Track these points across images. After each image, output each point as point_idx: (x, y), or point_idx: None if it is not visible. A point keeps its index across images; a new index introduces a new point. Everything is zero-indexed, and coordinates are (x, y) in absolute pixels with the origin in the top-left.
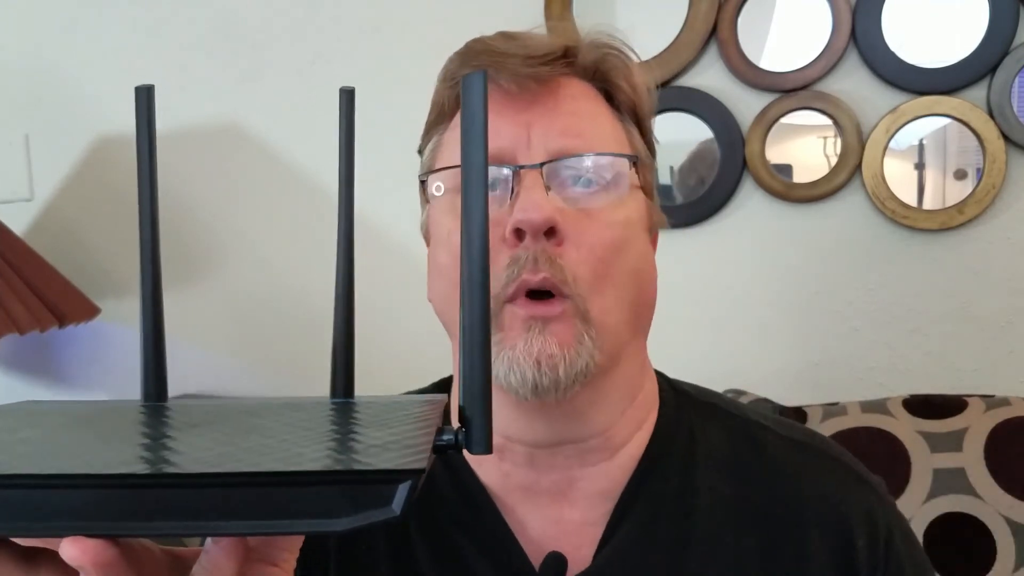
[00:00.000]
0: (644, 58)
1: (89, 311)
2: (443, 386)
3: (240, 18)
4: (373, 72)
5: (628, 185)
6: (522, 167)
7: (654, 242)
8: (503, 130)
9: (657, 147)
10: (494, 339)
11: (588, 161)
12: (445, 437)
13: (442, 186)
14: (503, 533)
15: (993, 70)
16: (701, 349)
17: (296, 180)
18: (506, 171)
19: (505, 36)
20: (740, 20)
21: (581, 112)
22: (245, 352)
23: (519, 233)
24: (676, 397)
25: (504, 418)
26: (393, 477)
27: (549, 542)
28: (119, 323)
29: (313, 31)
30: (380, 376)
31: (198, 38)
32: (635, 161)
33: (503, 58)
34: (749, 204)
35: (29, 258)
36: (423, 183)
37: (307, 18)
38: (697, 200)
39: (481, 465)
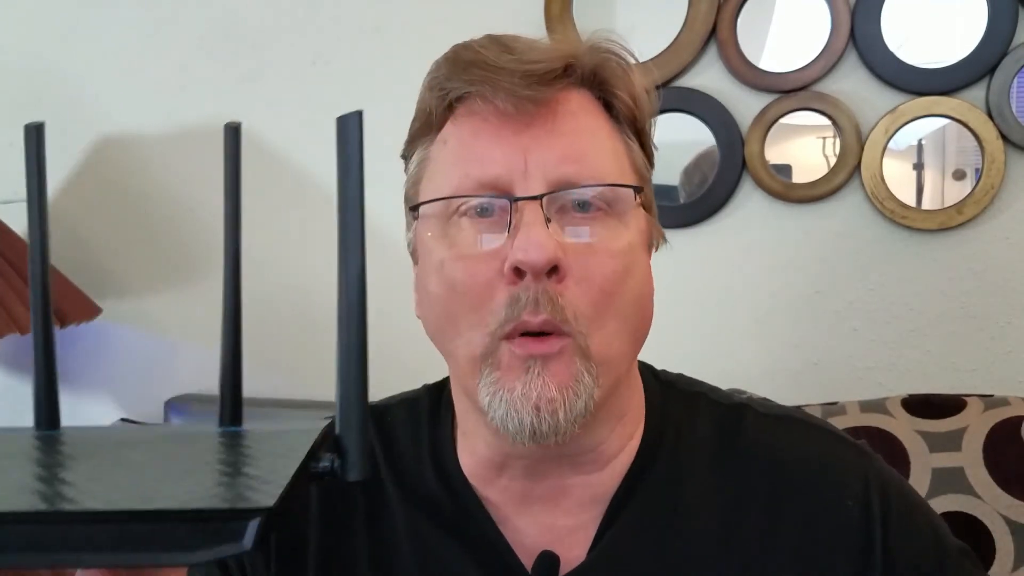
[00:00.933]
0: (644, 59)
1: (90, 311)
2: (436, 389)
3: (240, 18)
4: (373, 72)
5: (630, 208)
6: (521, 198)
7: (650, 255)
8: (498, 156)
9: (657, 148)
10: (491, 378)
11: (589, 192)
12: (322, 465)
13: (432, 209)
14: (495, 539)
15: (992, 71)
16: (700, 349)
17: (296, 180)
18: (501, 201)
19: (499, 45)
20: (740, 21)
21: (580, 131)
22: (245, 352)
23: (518, 271)
24: (662, 391)
25: (500, 444)
26: (242, 515)
27: (542, 546)
28: (120, 323)
29: (313, 31)
30: (382, 377)
31: (198, 38)
32: (639, 190)
33: (499, 75)
34: (748, 204)
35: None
36: (415, 207)
37: (307, 18)
38: (697, 200)
39: (477, 476)
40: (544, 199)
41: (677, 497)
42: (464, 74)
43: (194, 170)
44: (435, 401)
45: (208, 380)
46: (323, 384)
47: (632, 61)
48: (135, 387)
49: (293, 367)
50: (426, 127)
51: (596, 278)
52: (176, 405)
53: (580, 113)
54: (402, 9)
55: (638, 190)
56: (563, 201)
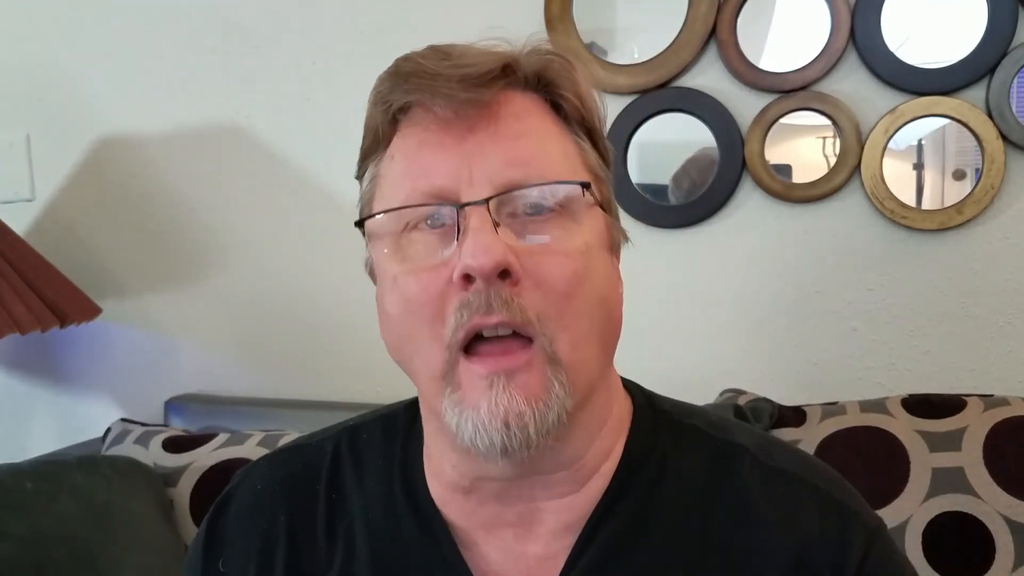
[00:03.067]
0: (644, 59)
1: (90, 311)
2: (414, 405)
3: (240, 18)
4: (373, 72)
5: (584, 207)
6: (465, 204)
7: (617, 257)
8: (442, 165)
9: (656, 148)
10: (452, 398)
11: (537, 191)
12: None
13: (384, 227)
14: (457, 566)
15: (992, 71)
16: (700, 348)
17: (296, 180)
18: (448, 210)
19: (438, 53)
20: (739, 21)
21: (526, 133)
22: (245, 352)
23: (468, 278)
24: (654, 417)
25: (471, 467)
26: None
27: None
28: (120, 323)
29: (314, 31)
30: (382, 376)
31: (198, 38)
32: (587, 185)
33: (436, 81)
34: (748, 204)
35: (30, 258)
36: (360, 223)
37: (308, 18)
38: (696, 200)
39: (446, 503)
40: (491, 203)
41: (650, 532)
42: (404, 84)
43: (194, 170)
44: (411, 418)
45: (208, 380)
46: (323, 384)
47: (574, 62)
48: (135, 387)
49: (293, 367)
50: (374, 144)
51: (554, 279)
52: (176, 405)
53: (524, 115)
54: (402, 9)
55: (586, 185)
56: (513, 206)
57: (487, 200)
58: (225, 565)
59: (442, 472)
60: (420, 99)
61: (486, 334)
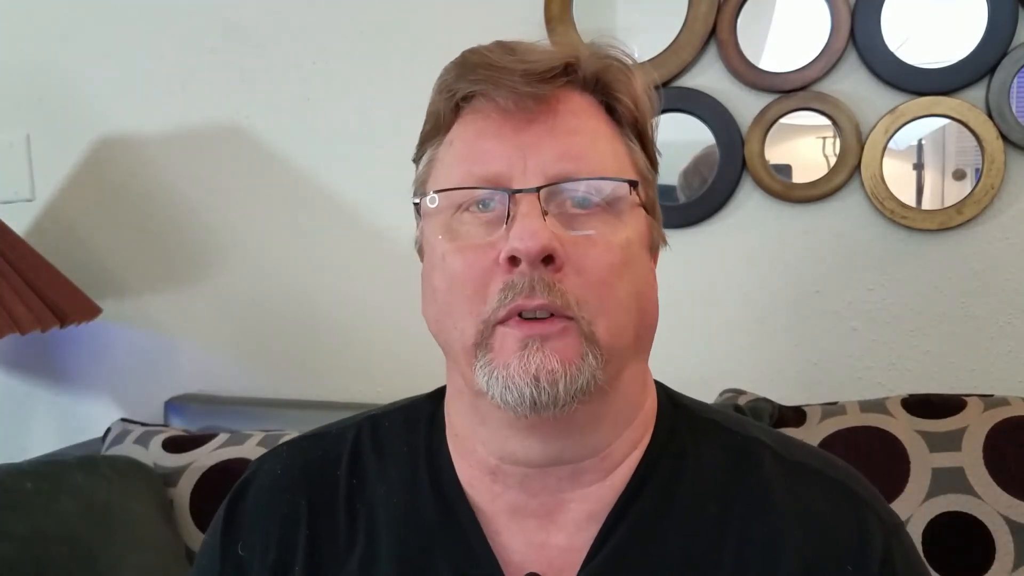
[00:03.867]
0: (644, 59)
1: (90, 311)
2: (437, 396)
3: (240, 18)
4: (374, 72)
5: (628, 206)
6: (518, 191)
7: (655, 259)
8: (498, 153)
9: (660, 154)
10: (484, 359)
11: (585, 185)
12: None
13: (437, 206)
14: (483, 553)
15: (992, 71)
16: (700, 348)
17: (296, 180)
18: (500, 195)
19: (503, 48)
20: (739, 21)
21: (581, 131)
22: (245, 352)
23: (514, 260)
24: (675, 412)
25: (499, 437)
26: None
27: (530, 566)
28: (120, 323)
29: (314, 31)
30: (382, 376)
31: (198, 38)
32: (634, 184)
33: (501, 73)
34: (748, 204)
35: (30, 258)
36: (416, 203)
37: (308, 18)
38: (697, 200)
39: (472, 486)
40: (541, 192)
41: (670, 522)
42: (470, 75)
43: (194, 170)
44: (433, 408)
45: (208, 380)
46: (323, 384)
47: (631, 64)
48: (135, 387)
49: (293, 367)
50: (435, 130)
51: (595, 268)
52: (176, 405)
53: (581, 114)
54: (402, 9)
55: (633, 184)
56: (561, 198)
57: (538, 189)
58: (244, 548)
59: (471, 452)
60: (484, 89)
61: (526, 316)
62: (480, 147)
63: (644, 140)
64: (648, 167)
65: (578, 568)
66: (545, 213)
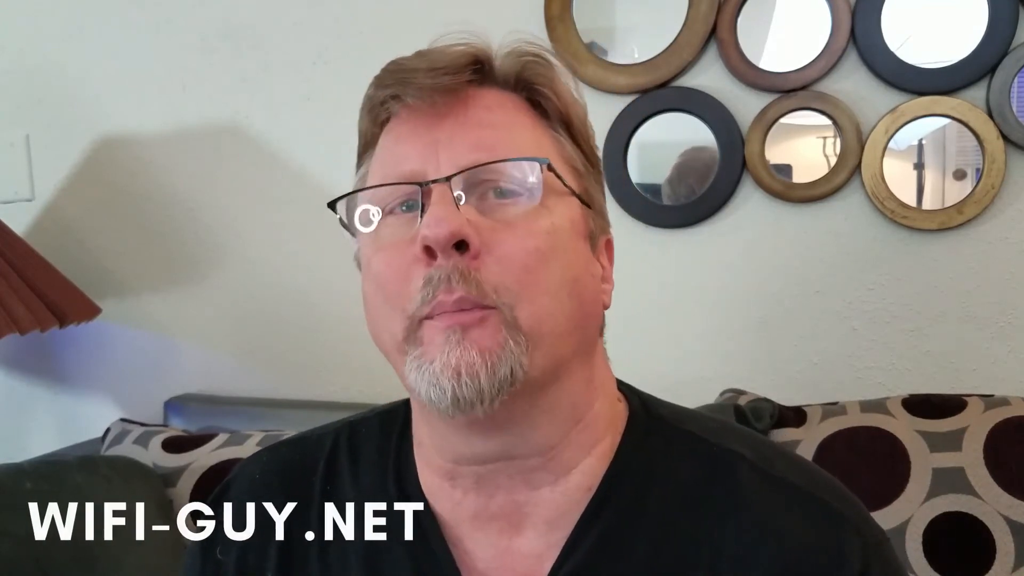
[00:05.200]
0: (644, 59)
1: (90, 311)
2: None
3: (241, 18)
4: (373, 72)
5: (554, 193)
6: (430, 182)
7: (609, 252)
8: (412, 151)
9: (656, 148)
10: (413, 355)
11: (500, 168)
12: None
13: (360, 214)
14: (444, 559)
15: (992, 70)
16: (700, 349)
17: (296, 180)
18: (414, 188)
19: (419, 54)
20: (740, 20)
21: (495, 123)
22: (245, 352)
23: (429, 251)
24: (648, 422)
25: (444, 439)
26: None
27: (493, 574)
28: (120, 323)
29: (314, 31)
30: (381, 376)
31: (198, 38)
32: (548, 164)
33: (409, 74)
34: (749, 204)
35: (30, 258)
36: (342, 217)
37: (308, 18)
38: (697, 200)
39: (434, 493)
40: (452, 180)
41: (640, 535)
42: (383, 83)
43: (194, 170)
44: (408, 413)
45: (208, 380)
46: (323, 384)
47: (555, 62)
48: (135, 387)
49: (293, 367)
50: (364, 147)
51: (515, 254)
52: (175, 405)
53: (496, 108)
54: (402, 9)
55: (545, 162)
56: (483, 189)
57: (448, 178)
58: (223, 552)
59: (430, 459)
60: (395, 92)
61: (448, 308)
62: (397, 150)
63: (574, 133)
64: (582, 159)
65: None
66: (459, 201)
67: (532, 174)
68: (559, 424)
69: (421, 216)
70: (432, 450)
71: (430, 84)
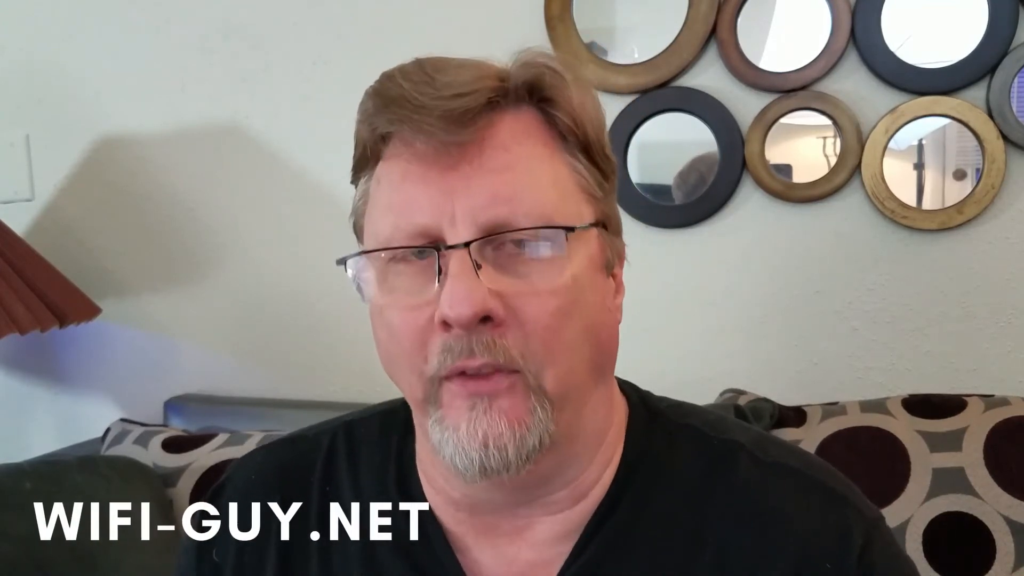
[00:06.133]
0: (644, 59)
1: (90, 311)
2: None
3: (241, 18)
4: (374, 73)
5: (572, 239)
6: (447, 247)
7: (619, 270)
8: (424, 201)
9: (656, 148)
10: (435, 416)
11: (522, 235)
12: None
13: (371, 258)
14: (452, 569)
15: (992, 70)
16: (700, 349)
17: (296, 180)
18: (430, 251)
19: (422, 73)
20: (740, 20)
21: (513, 165)
22: (245, 352)
23: (448, 324)
24: (648, 419)
25: (461, 483)
26: None
27: None
28: (120, 323)
29: (314, 31)
30: (381, 376)
31: (198, 38)
32: (570, 230)
33: (418, 113)
34: (748, 204)
35: (30, 258)
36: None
37: (308, 18)
38: (697, 200)
39: (439, 507)
40: (472, 246)
41: (645, 535)
42: (387, 111)
43: (194, 170)
44: (409, 414)
45: (208, 380)
46: (323, 384)
47: (567, 72)
48: (135, 387)
49: (293, 367)
50: (364, 159)
51: (538, 319)
52: (175, 405)
53: (512, 144)
54: (402, 9)
55: (569, 229)
56: (500, 240)
57: (468, 244)
58: (219, 554)
59: (435, 481)
60: (401, 132)
61: (469, 372)
62: (405, 193)
63: (591, 152)
64: (599, 181)
65: None
66: (479, 266)
67: (555, 230)
68: (584, 456)
69: (439, 279)
70: (440, 479)
71: (445, 138)
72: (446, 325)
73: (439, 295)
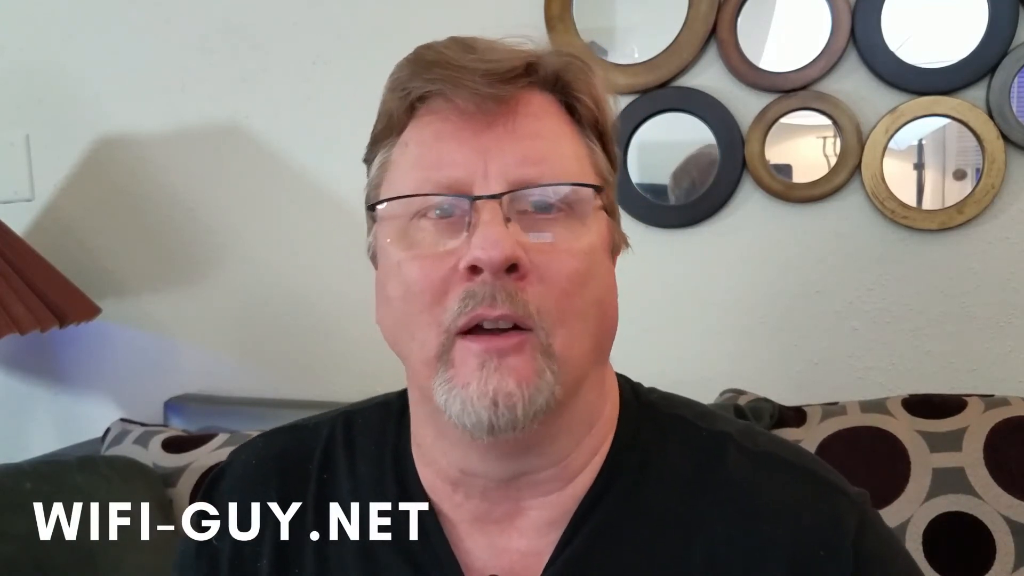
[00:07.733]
0: (644, 59)
1: (89, 311)
2: (406, 393)
3: (241, 18)
4: (373, 72)
5: (592, 210)
6: (479, 198)
7: (614, 262)
8: (458, 157)
9: (656, 148)
10: (445, 376)
11: (550, 190)
12: None
13: (392, 212)
14: (446, 558)
15: (992, 70)
16: (700, 349)
17: (296, 180)
18: (460, 201)
19: (460, 45)
20: (740, 20)
21: (542, 134)
22: (245, 352)
23: (475, 269)
24: (639, 410)
25: (458, 452)
26: None
27: (492, 571)
28: (119, 323)
29: (314, 31)
30: (381, 376)
31: (198, 38)
32: (599, 189)
33: (461, 73)
34: (749, 204)
35: (30, 258)
36: (371, 207)
37: (308, 18)
38: (697, 200)
39: (435, 492)
40: (504, 199)
41: (634, 524)
42: (426, 73)
43: (194, 170)
44: (403, 405)
45: (208, 380)
46: (323, 384)
47: (594, 66)
48: (135, 387)
49: (293, 367)
50: (387, 130)
51: (558, 277)
52: (175, 405)
53: (542, 115)
54: (402, 9)
55: (598, 189)
56: (524, 204)
57: (500, 195)
58: (217, 539)
59: (432, 460)
60: (442, 89)
61: (486, 326)
62: (438, 151)
63: (605, 141)
64: (609, 168)
65: (539, 573)
66: (508, 220)
67: (578, 195)
68: (575, 435)
69: (467, 229)
70: (438, 455)
71: (488, 92)
72: (473, 271)
73: (467, 243)
